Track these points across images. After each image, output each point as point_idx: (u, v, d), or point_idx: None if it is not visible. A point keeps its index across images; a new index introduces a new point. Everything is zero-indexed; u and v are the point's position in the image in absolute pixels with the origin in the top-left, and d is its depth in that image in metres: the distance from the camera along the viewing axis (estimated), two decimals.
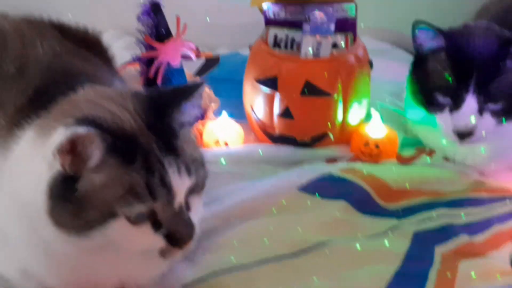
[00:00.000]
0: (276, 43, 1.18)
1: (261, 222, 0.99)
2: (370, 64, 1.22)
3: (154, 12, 1.17)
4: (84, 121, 0.71)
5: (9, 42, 1.02)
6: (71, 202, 0.70)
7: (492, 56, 1.07)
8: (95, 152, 0.70)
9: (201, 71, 1.50)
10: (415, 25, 1.11)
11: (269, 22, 1.19)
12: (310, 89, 1.14)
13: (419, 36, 1.11)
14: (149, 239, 0.73)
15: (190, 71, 1.43)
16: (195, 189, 0.77)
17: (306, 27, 1.12)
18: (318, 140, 1.21)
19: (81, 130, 0.68)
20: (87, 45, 1.17)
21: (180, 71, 1.27)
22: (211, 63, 1.54)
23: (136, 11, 1.64)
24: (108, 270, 0.78)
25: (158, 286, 0.84)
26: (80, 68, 0.99)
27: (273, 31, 1.18)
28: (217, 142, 1.22)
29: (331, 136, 1.20)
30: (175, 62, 1.21)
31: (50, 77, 0.94)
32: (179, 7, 1.27)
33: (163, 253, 0.74)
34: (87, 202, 0.70)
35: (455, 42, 1.09)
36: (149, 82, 1.24)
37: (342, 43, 1.17)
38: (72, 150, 0.70)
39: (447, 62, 1.08)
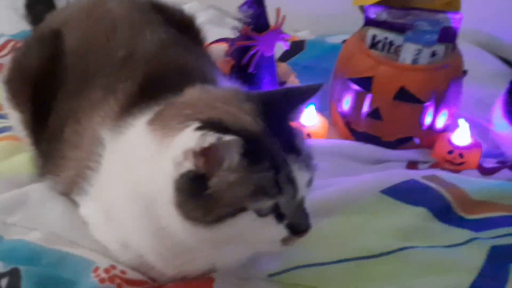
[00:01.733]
0: (373, 44, 1.20)
1: (342, 221, 1.03)
2: (464, 73, 1.23)
3: (257, 4, 1.20)
4: (212, 124, 0.75)
5: (119, 28, 1.07)
6: (203, 198, 0.75)
7: None
8: (231, 156, 0.75)
9: (286, 56, 1.52)
10: None
11: (369, 22, 1.21)
12: (404, 95, 1.16)
13: None
14: (274, 229, 0.79)
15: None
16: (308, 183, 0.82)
17: (409, 34, 1.13)
18: (403, 142, 1.24)
19: (228, 137, 0.72)
20: (183, 26, 1.22)
21: (270, 58, 1.31)
22: (296, 48, 1.57)
23: None
24: (211, 255, 0.85)
25: (245, 271, 0.91)
26: (184, 60, 1.04)
27: (372, 31, 1.19)
28: None
29: (417, 140, 1.23)
30: (270, 53, 1.26)
31: (158, 67, 0.99)
32: None
33: (284, 242, 0.80)
34: (219, 198, 0.75)
35: None
36: (240, 67, 1.28)
37: (441, 53, 1.18)
38: (207, 153, 0.74)
39: None
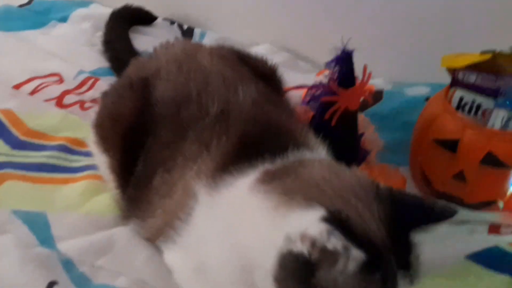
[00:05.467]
0: (460, 106, 1.23)
1: (430, 285, 1.01)
2: None
3: (346, 61, 1.23)
4: (340, 221, 0.75)
5: (211, 83, 1.13)
6: (306, 283, 0.76)
7: None
8: (349, 265, 0.74)
9: (363, 106, 1.53)
10: None
11: (457, 83, 1.24)
12: (491, 160, 1.18)
13: None
14: None
15: None
16: None
17: (501, 100, 1.16)
18: (485, 205, 1.27)
19: (355, 253, 0.72)
20: (266, 77, 1.28)
21: (354, 113, 1.32)
22: (374, 98, 1.58)
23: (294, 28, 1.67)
24: None
25: None
26: (276, 120, 1.09)
27: (460, 93, 1.23)
28: None
29: (501, 204, 1.26)
30: (354, 108, 1.29)
31: (252, 127, 1.04)
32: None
33: None
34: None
35: None
36: (321, 120, 1.31)
37: None
38: (327, 250, 0.73)
39: None
